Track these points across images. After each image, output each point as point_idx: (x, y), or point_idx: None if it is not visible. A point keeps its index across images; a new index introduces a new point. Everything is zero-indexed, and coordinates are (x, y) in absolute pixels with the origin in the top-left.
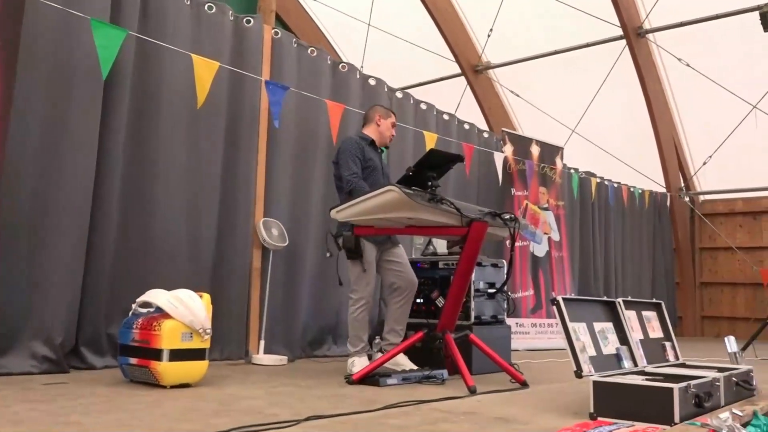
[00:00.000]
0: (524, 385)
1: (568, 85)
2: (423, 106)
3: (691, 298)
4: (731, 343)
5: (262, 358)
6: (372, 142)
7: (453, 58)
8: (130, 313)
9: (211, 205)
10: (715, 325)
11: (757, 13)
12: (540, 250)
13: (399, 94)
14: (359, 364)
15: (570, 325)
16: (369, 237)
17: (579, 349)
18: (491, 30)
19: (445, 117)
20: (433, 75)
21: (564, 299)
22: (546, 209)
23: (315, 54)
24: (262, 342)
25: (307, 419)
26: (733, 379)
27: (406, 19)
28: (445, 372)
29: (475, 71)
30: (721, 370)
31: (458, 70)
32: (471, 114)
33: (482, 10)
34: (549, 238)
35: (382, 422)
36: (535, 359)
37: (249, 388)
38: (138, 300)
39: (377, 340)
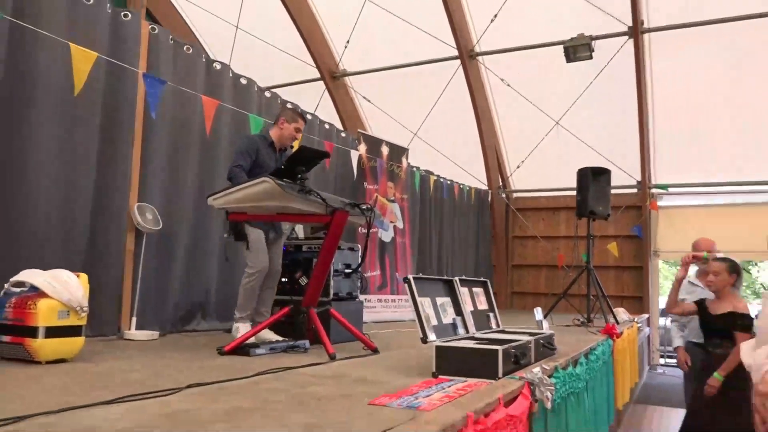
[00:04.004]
0: (375, 351)
1: (413, 94)
2: (289, 106)
3: (505, 277)
4: (539, 313)
5: (134, 333)
6: (272, 143)
7: (314, 64)
8: (2, 292)
9: (86, 190)
10: (522, 299)
11: (562, 47)
12: (387, 236)
13: (268, 94)
14: (243, 329)
15: (418, 299)
16: (257, 224)
17: (425, 319)
18: (348, 42)
19: (308, 117)
20: (297, 77)
21: (414, 278)
22: (393, 201)
23: (190, 51)
24: (134, 319)
25: (188, 387)
26: (541, 341)
27: (273, 25)
28: (307, 342)
29: (333, 77)
30: (531, 334)
31: (318, 75)
32: (328, 114)
33: (340, 22)
34: (394, 226)
35: (258, 387)
36: (381, 330)
37: (126, 362)
38: (11, 280)
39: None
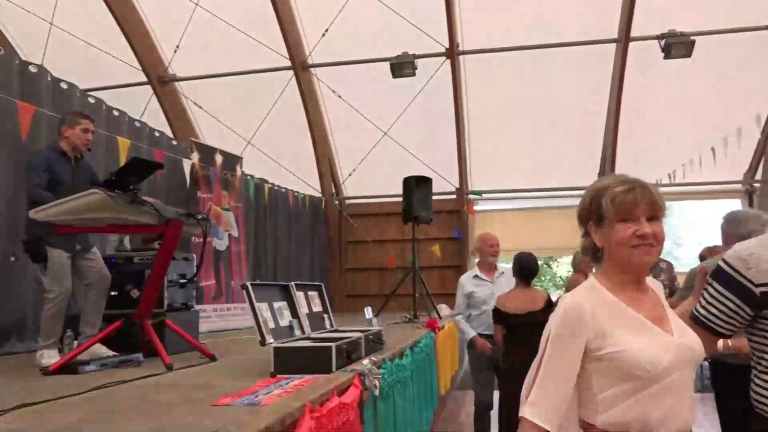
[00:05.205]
0: (213, 358)
1: (247, 102)
2: (116, 113)
3: (339, 281)
4: (368, 312)
5: None
6: (63, 153)
7: (140, 67)
8: None
9: None
10: (356, 301)
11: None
12: (221, 245)
13: (92, 99)
14: (48, 356)
15: (256, 305)
16: (59, 244)
17: (263, 323)
18: (177, 47)
19: (137, 124)
20: (121, 80)
21: (252, 284)
22: (227, 210)
23: (2, 52)
24: None
25: (19, 407)
26: (370, 337)
27: (93, 23)
28: (140, 355)
29: (161, 82)
30: (362, 332)
31: (146, 78)
32: (157, 120)
33: (170, 26)
34: (229, 235)
35: (96, 401)
36: (218, 339)
37: None
38: None
39: (68, 333)
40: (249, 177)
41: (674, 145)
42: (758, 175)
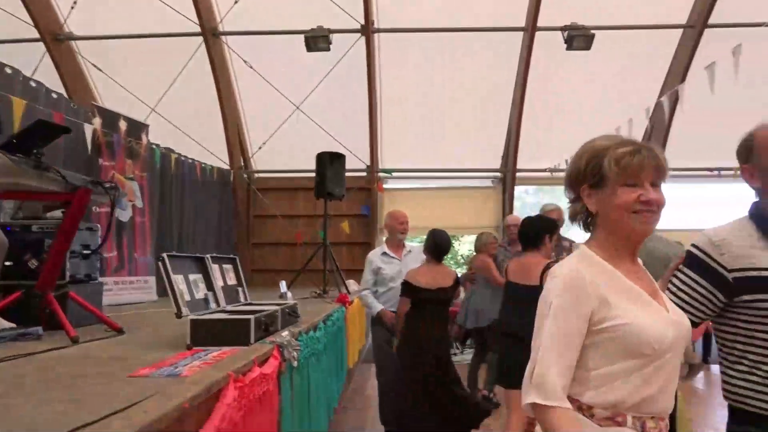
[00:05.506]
0: (120, 332)
1: (153, 68)
2: (8, 70)
3: (246, 255)
4: (283, 286)
5: None
6: None
7: (32, 22)
8: None
9: None
10: (262, 276)
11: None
12: (125, 215)
13: None
14: None
15: (173, 276)
16: None
17: (179, 295)
18: (75, 2)
19: (33, 84)
20: (7, 35)
21: (168, 256)
22: (132, 179)
23: None
24: None
25: None
26: (286, 310)
27: None
28: (39, 328)
29: (56, 39)
30: (279, 305)
31: (37, 35)
32: (49, 80)
33: None
34: (133, 206)
35: (1, 373)
36: (122, 313)
37: None
38: None
39: None
40: (155, 146)
41: (575, 133)
42: None
